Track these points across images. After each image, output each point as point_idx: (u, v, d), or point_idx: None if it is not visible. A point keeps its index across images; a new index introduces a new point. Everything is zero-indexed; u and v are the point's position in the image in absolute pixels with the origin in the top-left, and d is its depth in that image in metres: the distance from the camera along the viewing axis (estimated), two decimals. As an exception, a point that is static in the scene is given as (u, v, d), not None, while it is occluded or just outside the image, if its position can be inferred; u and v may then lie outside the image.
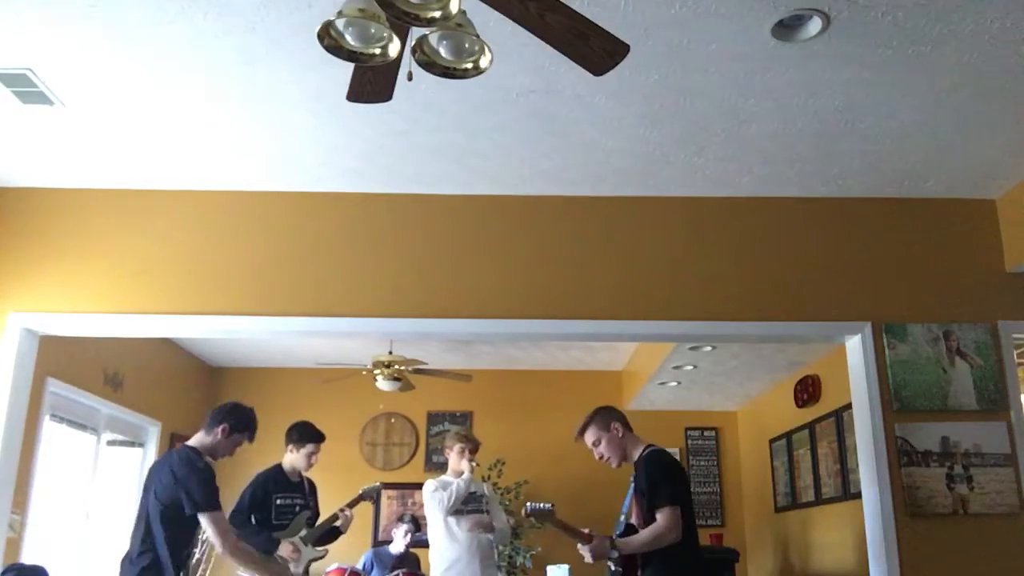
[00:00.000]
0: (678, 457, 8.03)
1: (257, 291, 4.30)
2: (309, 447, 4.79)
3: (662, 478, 3.28)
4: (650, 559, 3.27)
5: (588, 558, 3.28)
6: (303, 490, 4.82)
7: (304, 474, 4.86)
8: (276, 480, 4.72)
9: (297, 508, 4.72)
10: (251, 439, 3.72)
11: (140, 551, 3.38)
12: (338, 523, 4.89)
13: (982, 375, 4.18)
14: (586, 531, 3.36)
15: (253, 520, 4.59)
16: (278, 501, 4.66)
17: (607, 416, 3.52)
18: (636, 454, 3.47)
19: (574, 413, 8.14)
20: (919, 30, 3.02)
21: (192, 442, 3.60)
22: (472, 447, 4.87)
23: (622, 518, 3.43)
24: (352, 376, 7.20)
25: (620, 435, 3.49)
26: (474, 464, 4.83)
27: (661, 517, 3.20)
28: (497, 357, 7.81)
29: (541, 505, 3.64)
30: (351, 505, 5.02)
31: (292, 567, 4.52)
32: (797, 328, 4.35)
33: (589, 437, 3.53)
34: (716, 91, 3.44)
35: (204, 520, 3.39)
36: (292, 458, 4.79)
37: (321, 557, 4.83)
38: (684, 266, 4.37)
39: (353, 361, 7.06)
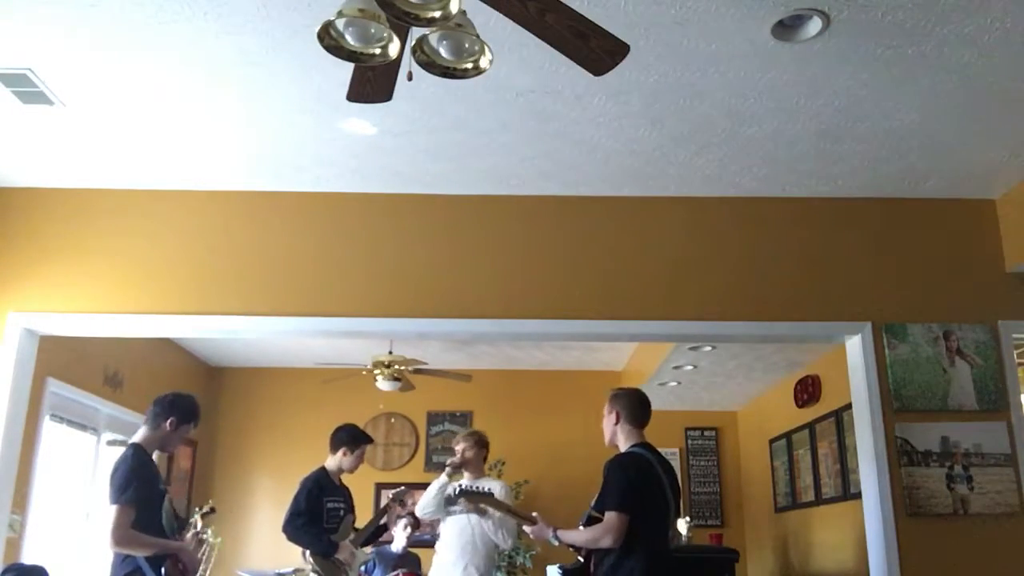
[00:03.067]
0: (677, 458, 8.05)
1: (257, 291, 4.30)
2: (363, 448, 4.84)
3: (615, 482, 3.24)
4: (601, 561, 3.26)
5: (531, 537, 3.61)
6: (345, 494, 4.87)
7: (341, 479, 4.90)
8: (324, 484, 4.74)
9: (342, 512, 4.76)
10: (196, 426, 3.68)
11: (121, 559, 3.34)
12: (384, 520, 4.96)
13: (982, 375, 4.18)
14: (533, 515, 3.61)
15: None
16: (328, 505, 4.69)
17: (617, 402, 3.50)
18: (619, 448, 3.46)
19: (574, 413, 8.21)
20: (919, 30, 3.02)
21: (137, 439, 3.51)
22: (463, 447, 4.71)
23: (588, 511, 3.40)
24: (352, 376, 7.20)
25: (615, 423, 3.48)
26: (451, 467, 4.62)
27: (604, 519, 3.21)
28: (497, 357, 7.81)
29: (476, 486, 3.82)
30: (384, 510, 5.11)
31: (349, 570, 4.59)
32: (797, 328, 4.35)
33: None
34: (716, 91, 3.44)
35: (110, 512, 3.31)
36: (343, 461, 4.79)
37: (370, 559, 4.85)
38: (684, 266, 4.37)
39: (353, 361, 7.06)
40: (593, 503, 3.34)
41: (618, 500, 3.20)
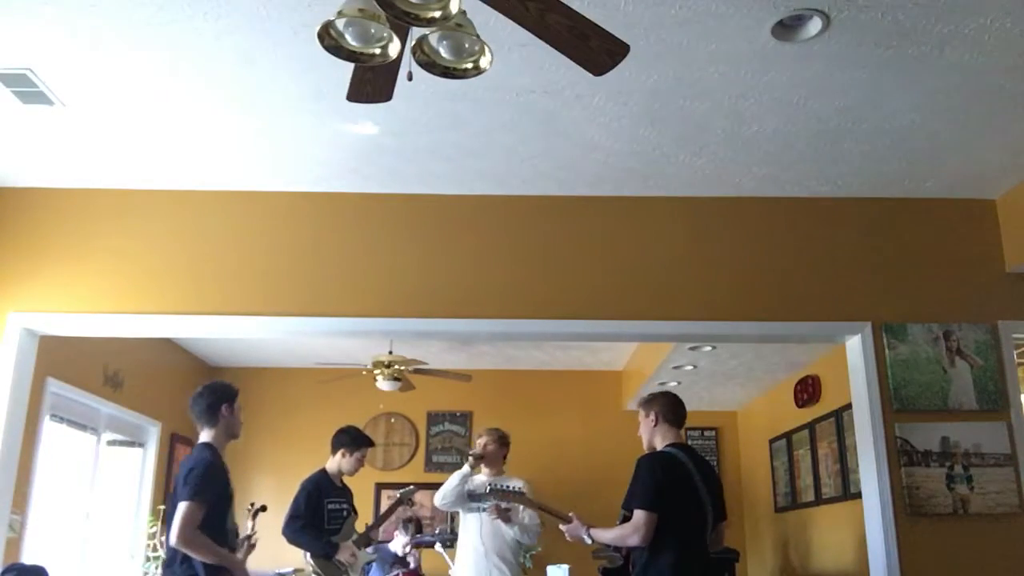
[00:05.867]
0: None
1: (257, 291, 4.30)
2: (363, 450, 4.87)
3: (641, 480, 3.28)
4: (637, 559, 3.30)
5: (567, 536, 3.63)
6: (347, 495, 4.89)
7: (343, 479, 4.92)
8: (325, 485, 4.77)
9: (345, 512, 4.78)
10: (238, 394, 3.64)
11: (180, 560, 3.27)
12: (382, 527, 5.01)
13: (982, 375, 4.18)
14: (569, 514, 3.63)
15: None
16: (329, 506, 4.71)
17: (653, 403, 3.56)
18: (656, 449, 3.50)
19: (574, 413, 8.20)
20: (919, 30, 3.02)
21: (206, 439, 3.50)
22: (484, 440, 4.77)
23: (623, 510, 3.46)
24: (352, 376, 7.20)
25: (653, 424, 3.52)
26: (472, 457, 4.70)
27: (632, 517, 3.24)
28: (497, 357, 7.81)
29: (509, 486, 3.84)
30: (392, 509, 5.14)
31: (351, 571, 4.61)
32: (797, 328, 4.35)
33: (639, 415, 3.62)
34: (716, 91, 3.44)
35: (180, 507, 3.26)
36: (342, 462, 4.83)
37: (374, 559, 4.87)
38: (684, 266, 4.37)
39: (353, 361, 7.05)
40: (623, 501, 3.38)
41: (644, 498, 3.23)
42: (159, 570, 6.30)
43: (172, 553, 3.31)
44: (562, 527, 3.64)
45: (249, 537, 3.79)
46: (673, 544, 3.21)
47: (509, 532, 4.62)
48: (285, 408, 8.10)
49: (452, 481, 4.65)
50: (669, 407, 3.54)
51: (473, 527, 4.66)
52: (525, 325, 4.32)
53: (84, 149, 4.01)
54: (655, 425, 3.51)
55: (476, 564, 4.59)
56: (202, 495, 3.26)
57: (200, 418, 3.52)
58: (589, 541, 3.48)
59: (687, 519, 3.28)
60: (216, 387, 3.58)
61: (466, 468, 4.68)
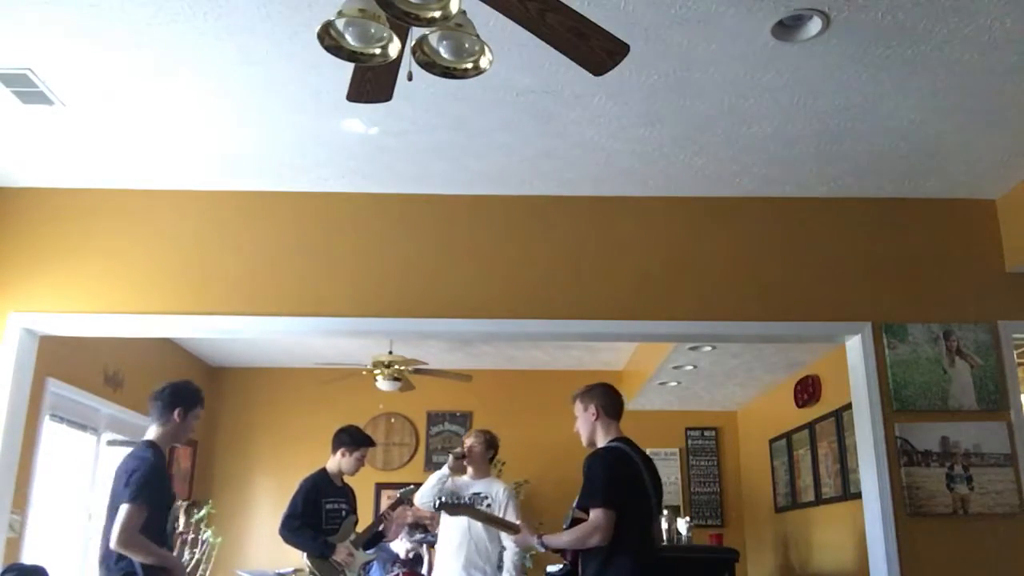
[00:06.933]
0: (677, 458, 8.04)
1: (257, 291, 4.30)
2: (363, 450, 4.86)
3: (597, 477, 3.15)
4: (588, 562, 3.16)
5: (513, 546, 3.61)
6: (347, 495, 4.87)
7: (345, 479, 4.91)
8: (323, 485, 4.76)
9: (344, 512, 4.77)
10: (203, 407, 3.60)
11: (116, 559, 3.25)
12: (382, 527, 4.99)
13: (982, 375, 4.18)
14: (516, 523, 3.52)
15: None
16: (327, 506, 4.71)
17: (592, 397, 3.40)
18: (598, 445, 3.35)
19: (574, 413, 8.12)
20: (919, 30, 3.02)
21: (151, 437, 3.45)
22: (471, 442, 4.67)
23: (570, 512, 3.28)
24: (352, 376, 7.20)
25: (594, 419, 3.36)
26: (453, 457, 4.59)
27: (590, 517, 3.11)
28: (497, 357, 7.81)
29: (459, 497, 3.80)
30: (392, 508, 5.10)
31: (348, 571, 4.61)
32: (797, 328, 4.35)
33: (574, 408, 3.46)
34: (716, 91, 3.44)
35: (121, 510, 3.23)
36: (342, 462, 4.82)
37: (372, 560, 4.87)
38: (684, 266, 4.37)
39: (353, 361, 7.05)
40: (575, 503, 3.24)
41: (602, 496, 3.10)
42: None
43: (107, 551, 3.27)
44: (511, 537, 3.51)
45: (181, 532, 3.78)
46: (631, 542, 3.09)
47: (484, 538, 4.47)
48: (285, 408, 8.11)
49: (430, 481, 4.53)
50: (609, 400, 3.39)
51: (452, 529, 4.52)
52: (525, 325, 4.32)
53: (84, 149, 4.01)
54: (596, 419, 3.35)
55: (451, 568, 4.52)
56: (144, 497, 3.23)
57: (152, 412, 3.48)
58: (543, 549, 3.34)
59: (639, 515, 3.17)
60: (180, 389, 3.52)
61: (445, 469, 4.56)
